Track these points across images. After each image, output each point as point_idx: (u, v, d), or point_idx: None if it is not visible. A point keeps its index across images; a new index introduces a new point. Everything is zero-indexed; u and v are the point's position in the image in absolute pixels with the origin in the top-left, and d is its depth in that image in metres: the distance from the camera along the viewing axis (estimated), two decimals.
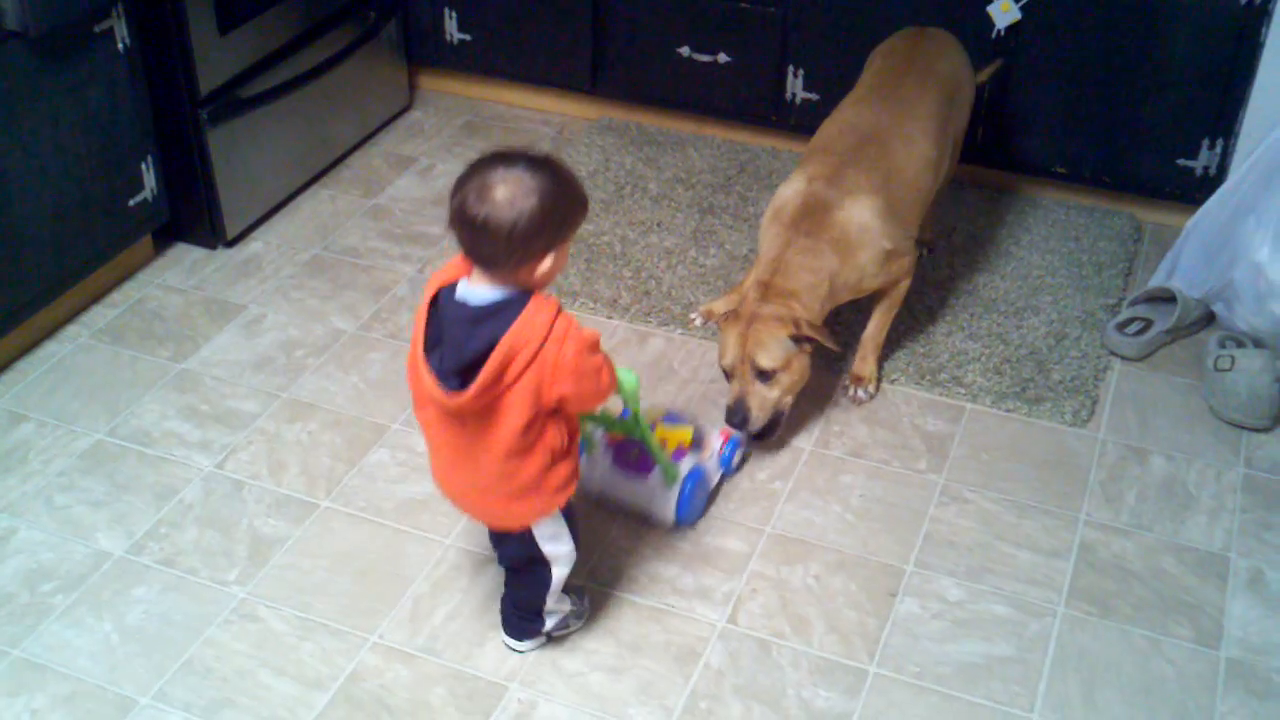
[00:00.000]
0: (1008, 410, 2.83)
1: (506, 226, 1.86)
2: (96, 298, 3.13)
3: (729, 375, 2.61)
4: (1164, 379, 2.94)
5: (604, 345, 2.97)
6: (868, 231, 2.63)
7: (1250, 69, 3.17)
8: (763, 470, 2.67)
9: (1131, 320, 3.03)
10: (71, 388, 2.86)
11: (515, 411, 1.95)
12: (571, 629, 2.30)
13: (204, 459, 2.68)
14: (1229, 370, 2.80)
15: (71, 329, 3.04)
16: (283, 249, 3.35)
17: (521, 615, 2.24)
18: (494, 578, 2.38)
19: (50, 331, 3.02)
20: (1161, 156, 3.34)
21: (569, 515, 2.16)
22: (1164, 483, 2.66)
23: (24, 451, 2.69)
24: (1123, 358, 2.99)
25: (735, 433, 2.60)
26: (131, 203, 3.10)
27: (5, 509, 2.55)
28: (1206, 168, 3.31)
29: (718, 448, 2.58)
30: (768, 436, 2.65)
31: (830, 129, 2.83)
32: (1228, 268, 2.99)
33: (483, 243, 1.89)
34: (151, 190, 3.15)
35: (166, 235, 3.32)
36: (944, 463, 2.69)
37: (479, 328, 1.91)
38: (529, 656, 2.27)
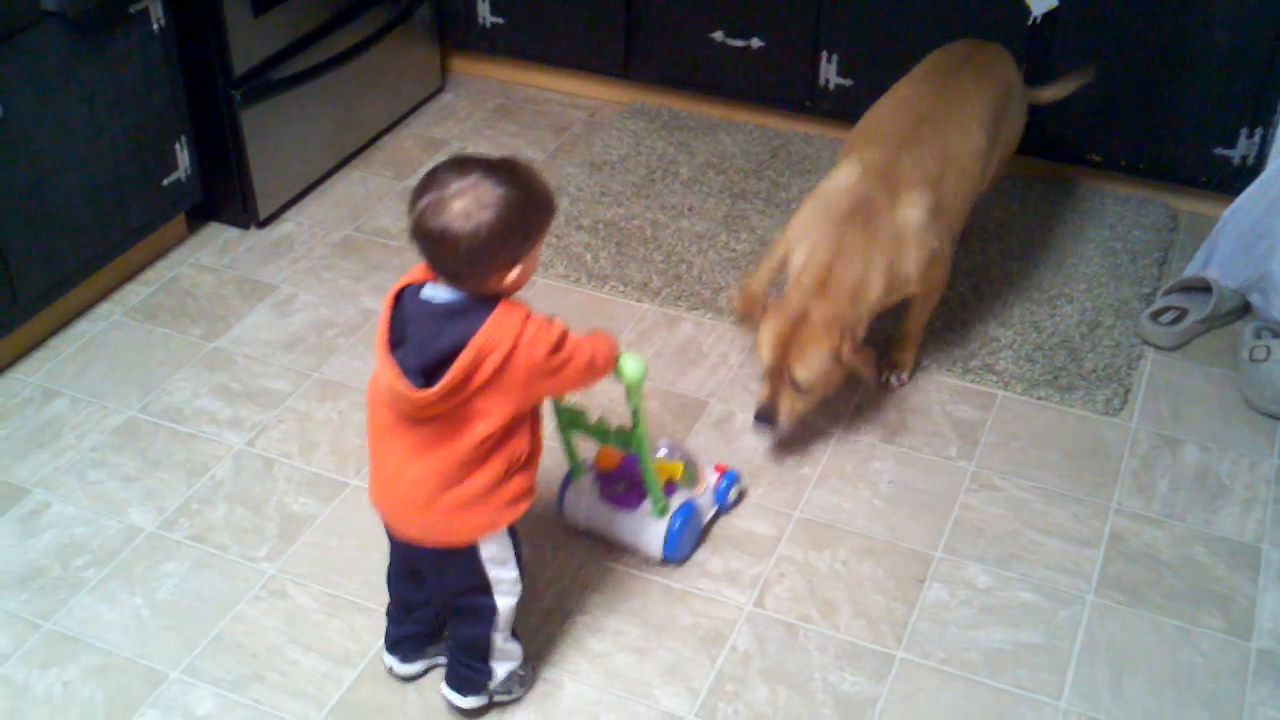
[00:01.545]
0: (1040, 398, 2.81)
1: (465, 241, 1.78)
2: (130, 276, 3.15)
3: (765, 372, 2.55)
4: (1198, 369, 2.91)
5: (636, 329, 2.99)
6: (918, 231, 2.56)
7: None
8: (792, 455, 2.67)
9: (1166, 309, 3.00)
10: (104, 365, 2.89)
11: (481, 418, 1.86)
12: (515, 695, 2.15)
13: (235, 437, 2.69)
14: (1264, 361, 2.77)
15: (105, 307, 3.06)
16: (314, 229, 3.36)
17: (468, 662, 2.09)
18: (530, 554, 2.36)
19: (84, 309, 3.04)
20: (1199, 145, 3.31)
21: (516, 542, 2.04)
22: (1197, 473, 2.64)
23: (57, 427, 2.71)
24: (1156, 347, 2.97)
25: (730, 468, 2.51)
26: (165, 182, 3.11)
27: (39, 484, 2.57)
28: (1244, 157, 3.27)
29: (713, 482, 2.46)
30: (773, 425, 2.56)
31: (882, 108, 2.77)
32: (1265, 258, 2.96)
33: (443, 257, 1.82)
34: (185, 170, 3.16)
35: (199, 215, 3.34)
36: (975, 450, 2.68)
37: (448, 324, 1.83)
38: (555, 635, 2.27)
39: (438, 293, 1.86)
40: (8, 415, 2.74)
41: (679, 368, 2.89)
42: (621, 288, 3.13)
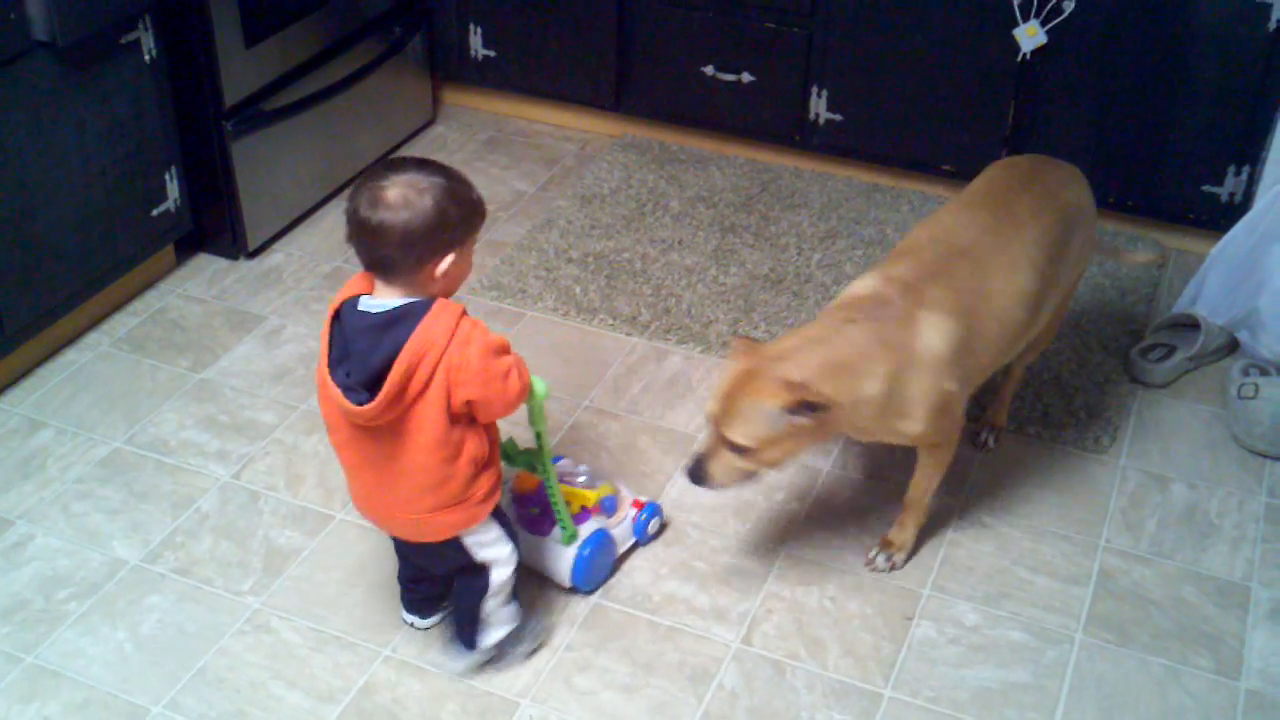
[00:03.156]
0: (1028, 435, 2.81)
1: (400, 226, 1.88)
2: (118, 306, 3.14)
3: (706, 417, 2.22)
4: (1187, 406, 2.91)
5: (625, 362, 2.98)
6: (934, 360, 2.20)
7: (1278, 94, 3.15)
8: (780, 491, 2.66)
9: (1154, 346, 3.00)
10: (91, 395, 2.87)
11: (429, 422, 1.95)
12: (512, 654, 2.25)
13: (221, 469, 2.68)
14: (1253, 398, 2.77)
15: (92, 337, 3.05)
16: (304, 261, 3.36)
17: (460, 627, 2.23)
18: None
19: (71, 339, 3.03)
20: (1187, 182, 3.32)
21: (500, 518, 2.15)
22: (1185, 511, 2.63)
23: (42, 458, 2.69)
24: (1145, 384, 2.97)
25: (650, 501, 2.49)
26: (155, 212, 3.11)
27: (22, 515, 2.56)
28: (1232, 194, 3.28)
29: (632, 515, 2.44)
30: (705, 484, 2.22)
31: (921, 233, 2.39)
32: (1252, 295, 2.97)
33: (379, 246, 1.90)
34: (175, 200, 3.16)
35: (189, 245, 3.33)
36: (963, 487, 2.67)
37: (384, 335, 1.91)
38: (542, 673, 2.25)
39: (374, 304, 1.94)
40: None
41: (667, 401, 2.88)
42: (610, 321, 3.13)
